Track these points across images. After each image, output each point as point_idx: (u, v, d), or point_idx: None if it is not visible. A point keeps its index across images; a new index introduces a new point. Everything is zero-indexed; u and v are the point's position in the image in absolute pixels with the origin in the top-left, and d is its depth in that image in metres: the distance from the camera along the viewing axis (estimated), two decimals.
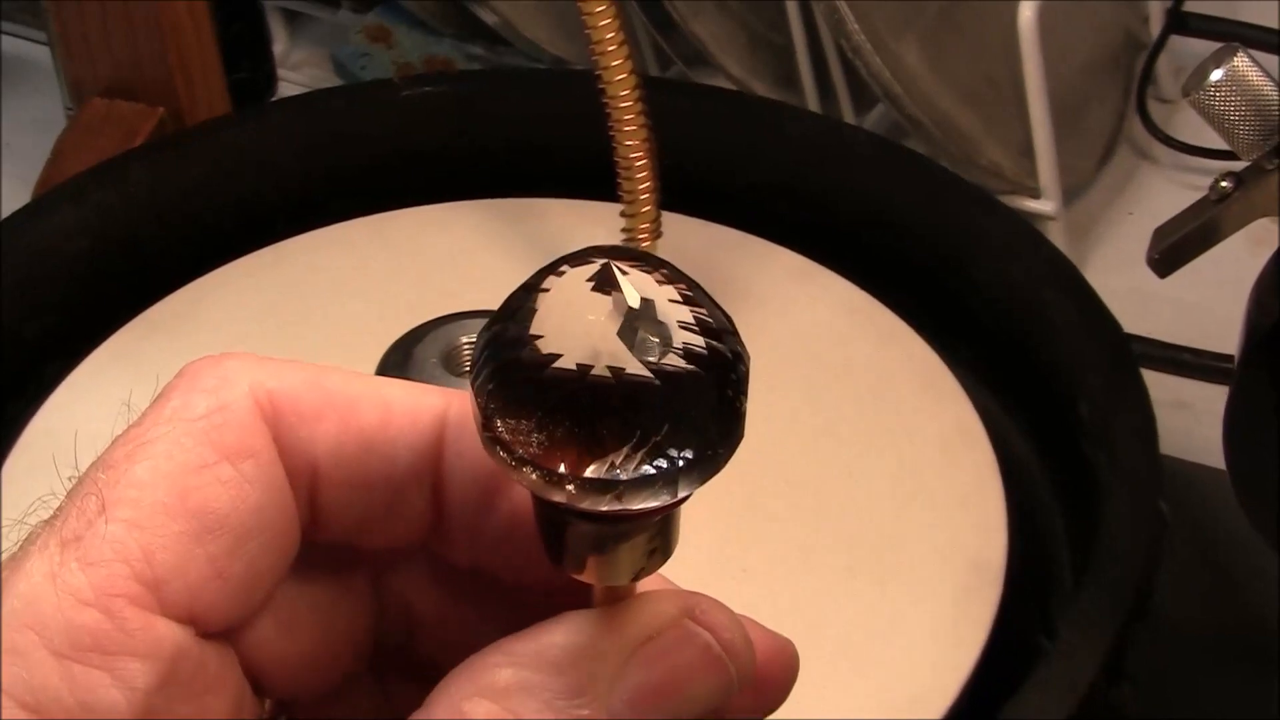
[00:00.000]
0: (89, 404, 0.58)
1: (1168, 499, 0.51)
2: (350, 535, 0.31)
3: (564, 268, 0.27)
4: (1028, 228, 0.64)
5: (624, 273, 0.27)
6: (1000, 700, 0.46)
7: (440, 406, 0.30)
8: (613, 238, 0.59)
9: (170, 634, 0.28)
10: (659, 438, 0.26)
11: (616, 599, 0.29)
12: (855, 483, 0.56)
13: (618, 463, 0.26)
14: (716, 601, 0.29)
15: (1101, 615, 0.48)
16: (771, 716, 0.31)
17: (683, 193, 0.62)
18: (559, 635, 0.28)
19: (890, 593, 0.52)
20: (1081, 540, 0.53)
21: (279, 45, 0.91)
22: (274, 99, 0.81)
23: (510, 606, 0.31)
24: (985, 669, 0.50)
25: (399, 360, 0.57)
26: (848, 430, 0.57)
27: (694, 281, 0.28)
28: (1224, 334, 0.51)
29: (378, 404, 0.30)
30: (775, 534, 0.54)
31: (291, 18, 0.95)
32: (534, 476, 0.26)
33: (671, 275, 0.27)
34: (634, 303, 0.26)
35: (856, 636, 0.51)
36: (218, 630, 0.29)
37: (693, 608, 0.29)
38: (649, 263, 0.27)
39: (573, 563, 0.28)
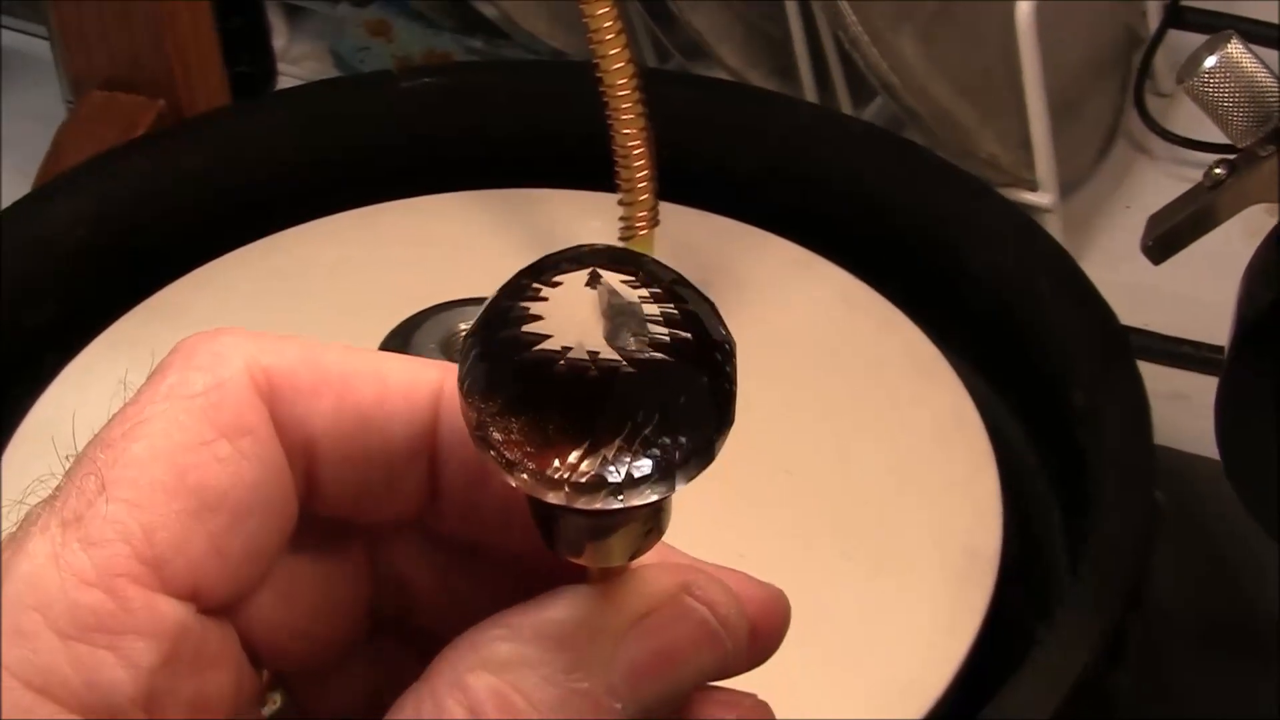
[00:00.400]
0: (88, 393, 0.58)
1: (1163, 488, 0.52)
2: (347, 509, 0.31)
3: (548, 267, 0.27)
4: (1025, 219, 0.64)
5: (609, 270, 0.27)
6: (994, 687, 0.46)
7: (436, 381, 0.30)
8: (611, 228, 0.59)
9: (172, 612, 0.28)
10: (649, 431, 0.26)
11: (613, 576, 0.29)
12: (851, 470, 0.56)
13: (610, 459, 0.26)
14: (713, 575, 0.29)
15: (1096, 604, 0.48)
16: (770, 715, 0.31)
17: (680, 183, 0.62)
18: (558, 610, 0.28)
19: (885, 579, 0.52)
20: (1077, 529, 0.54)
21: (279, 39, 0.91)
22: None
23: (507, 578, 0.31)
24: (979, 656, 0.50)
25: (398, 347, 0.57)
26: (844, 419, 0.58)
27: (678, 273, 0.28)
28: (1223, 327, 0.51)
29: (374, 379, 0.30)
30: (771, 521, 0.54)
31: (292, 12, 0.95)
32: (527, 478, 0.26)
33: (657, 269, 0.28)
34: (619, 300, 0.27)
35: (851, 622, 0.51)
36: (218, 606, 0.29)
37: (690, 584, 0.29)
38: (634, 260, 0.28)
39: (568, 549, 0.28)
